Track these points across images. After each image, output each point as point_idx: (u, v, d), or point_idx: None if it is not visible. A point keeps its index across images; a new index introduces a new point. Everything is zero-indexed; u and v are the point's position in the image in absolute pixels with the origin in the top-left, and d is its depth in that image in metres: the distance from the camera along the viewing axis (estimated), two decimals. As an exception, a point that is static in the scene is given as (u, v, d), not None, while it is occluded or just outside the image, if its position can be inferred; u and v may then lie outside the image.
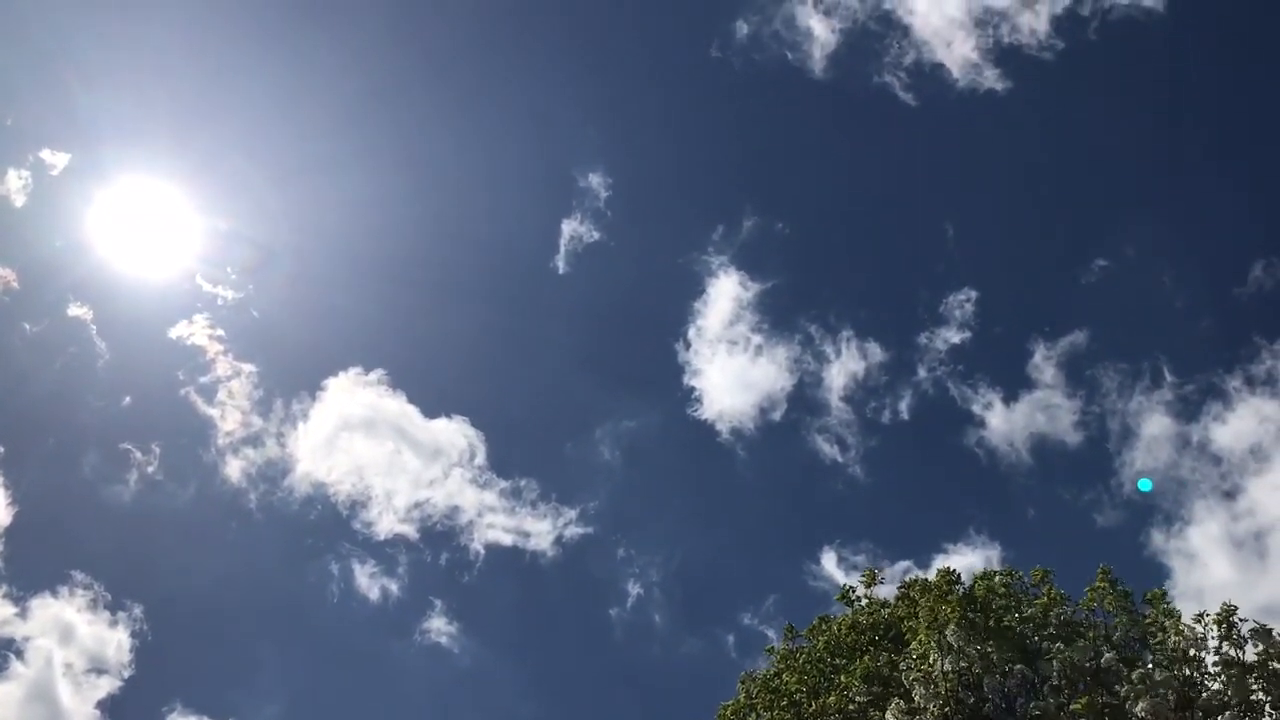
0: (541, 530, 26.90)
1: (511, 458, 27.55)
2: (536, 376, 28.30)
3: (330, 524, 27.70)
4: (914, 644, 13.59)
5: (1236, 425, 22.62)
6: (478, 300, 28.00)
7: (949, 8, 24.56)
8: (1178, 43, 23.57)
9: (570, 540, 26.87)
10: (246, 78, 28.12)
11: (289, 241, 28.36)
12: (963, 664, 12.84)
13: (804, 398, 25.94)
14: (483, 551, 26.53)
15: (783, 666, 15.50)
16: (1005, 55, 24.33)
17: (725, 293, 26.21)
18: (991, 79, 24.42)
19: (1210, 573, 22.55)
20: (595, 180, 27.07)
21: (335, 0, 28.31)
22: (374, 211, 28.51)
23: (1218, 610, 12.68)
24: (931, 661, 13.06)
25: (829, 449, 25.75)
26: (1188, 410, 23.17)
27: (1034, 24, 23.83)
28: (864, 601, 15.76)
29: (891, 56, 24.99)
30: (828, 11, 24.87)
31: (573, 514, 27.02)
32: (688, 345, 26.38)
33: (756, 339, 26.03)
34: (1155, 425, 23.03)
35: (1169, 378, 23.17)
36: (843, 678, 14.09)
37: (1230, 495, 22.65)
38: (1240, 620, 12.57)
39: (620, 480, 27.53)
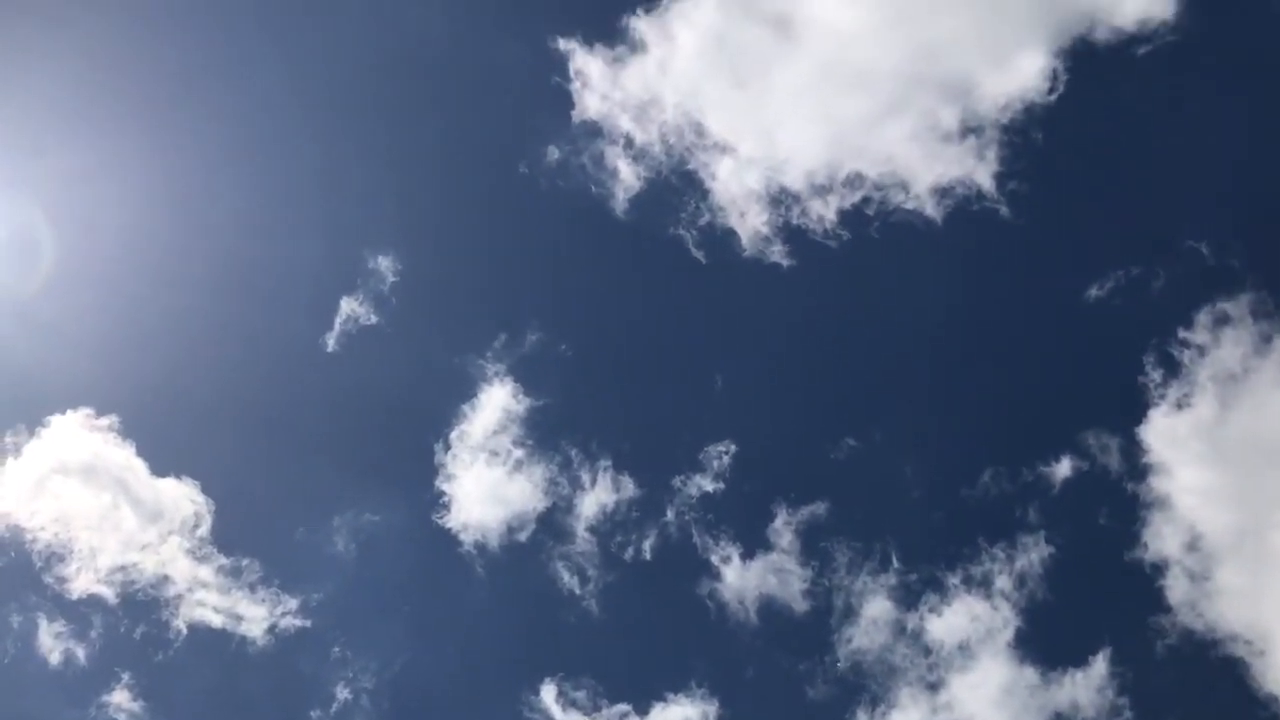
0: (256, 615, 26.17)
1: (238, 533, 26.62)
2: (282, 451, 27.55)
3: (19, 572, 26.64)
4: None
5: (950, 620, 23.59)
6: (234, 361, 27.30)
7: (749, 180, 26.37)
8: (948, 250, 25.79)
9: (285, 631, 26.24)
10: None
11: (50, 267, 27.51)
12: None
13: (553, 522, 26.08)
14: (185, 630, 25.79)
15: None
16: (793, 234, 26.12)
17: (496, 401, 26.29)
18: (778, 254, 26.10)
19: (906, 761, 24.03)
20: (384, 263, 27.00)
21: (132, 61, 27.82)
22: (145, 252, 27.85)
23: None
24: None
25: (568, 578, 25.90)
26: (907, 598, 24.30)
27: (823, 211, 25.85)
28: None
29: (688, 214, 26.43)
30: (636, 158, 26.27)
31: (293, 604, 26.32)
32: (448, 447, 26.25)
33: (518, 453, 26.18)
34: (877, 607, 24.16)
35: (895, 563, 24.35)
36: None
37: (934, 687, 23.54)
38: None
39: (350, 575, 26.95)
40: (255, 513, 27.27)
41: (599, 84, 27.24)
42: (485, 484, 26.84)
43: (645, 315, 27.75)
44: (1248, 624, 22.44)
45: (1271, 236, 23.86)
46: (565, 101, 27.56)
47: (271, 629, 26.35)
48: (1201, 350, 23.38)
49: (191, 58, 29.51)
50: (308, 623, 26.46)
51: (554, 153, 27.39)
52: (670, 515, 26.15)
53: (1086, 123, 25.06)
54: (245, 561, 26.60)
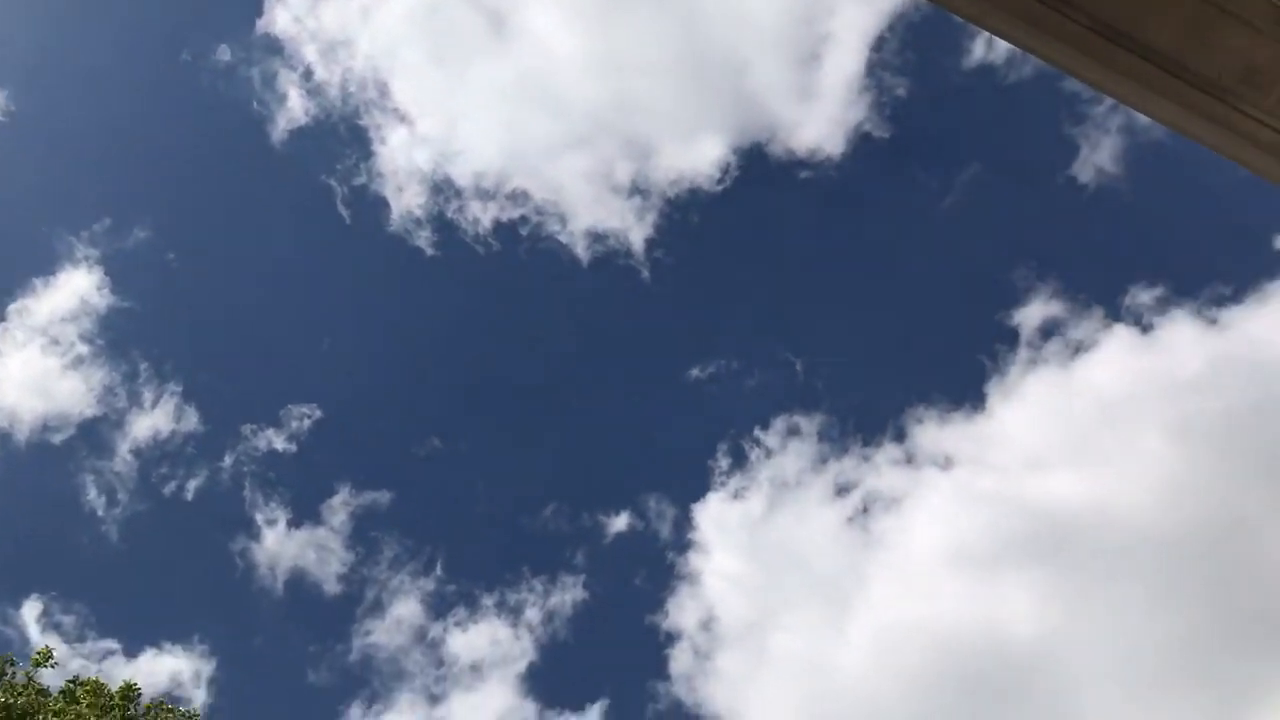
0: None
1: None
2: None
3: None
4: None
5: (473, 638, 24.85)
6: None
7: (418, 159, 26.17)
8: (584, 292, 27.20)
9: None
10: None
11: None
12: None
13: (97, 433, 24.74)
14: None
15: None
16: (445, 226, 25.74)
17: (76, 287, 24.57)
18: (424, 240, 25.75)
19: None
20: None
21: None
22: None
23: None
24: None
25: (94, 496, 24.61)
26: (439, 607, 25.18)
27: (480, 215, 25.93)
28: (20, 677, 13.20)
29: (345, 168, 25.70)
30: (310, 93, 25.31)
31: None
32: (2, 319, 24.37)
33: (82, 349, 24.55)
34: (407, 609, 24.81)
35: (439, 570, 25.23)
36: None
37: (435, 699, 24.65)
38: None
39: None
40: None
41: (296, 4, 25.96)
42: (33, 370, 24.30)
43: (272, 254, 26.51)
44: (730, 709, 24.21)
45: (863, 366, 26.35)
46: (254, 7, 26.20)
47: None
48: (769, 452, 25.31)
49: None
50: None
51: (225, 53, 25.49)
52: (228, 462, 24.71)
53: (741, 220, 26.77)
54: None
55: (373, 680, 24.02)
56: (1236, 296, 22.67)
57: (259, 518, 24.68)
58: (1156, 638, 22.03)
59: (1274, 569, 22.00)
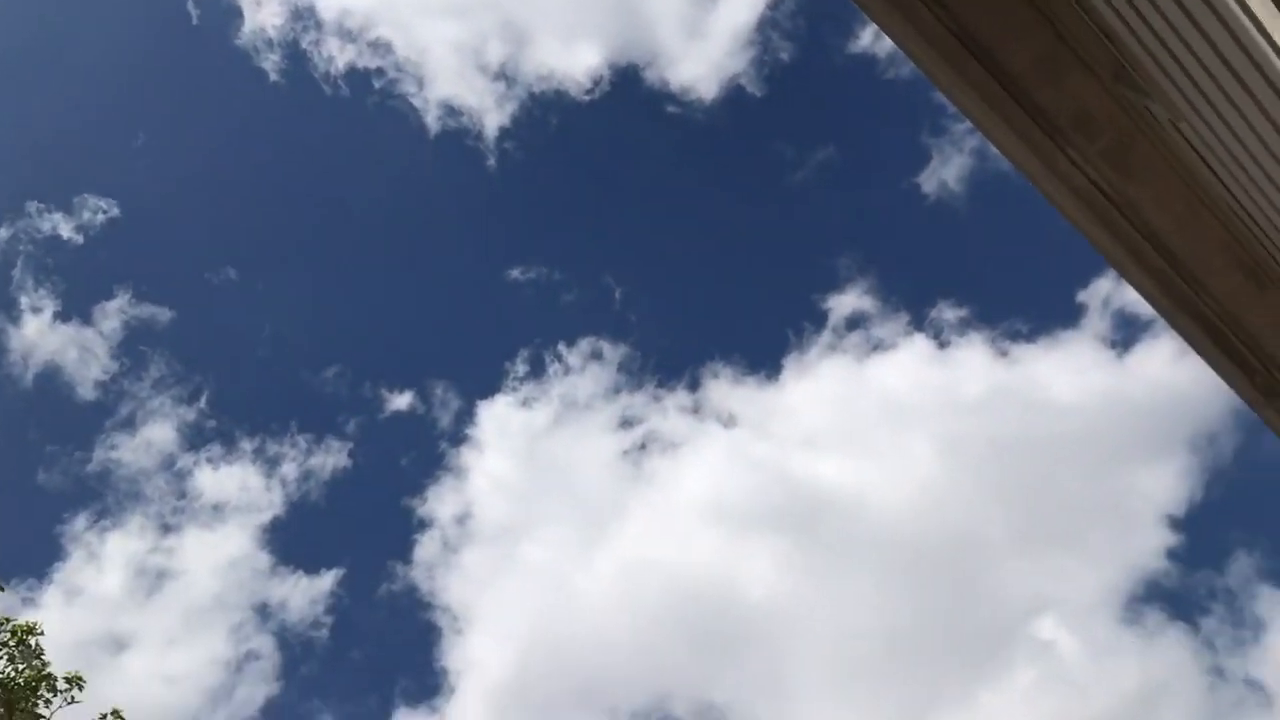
0: None
1: None
2: None
3: None
4: None
5: (222, 478, 24.10)
6: None
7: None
8: None
9: None
10: None
11: None
12: None
13: None
14: None
15: None
16: None
17: None
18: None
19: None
20: None
21: None
22: None
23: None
24: None
25: None
26: (191, 440, 24.11)
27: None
28: None
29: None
30: None
31: None
32: None
33: None
34: (165, 433, 23.57)
35: (203, 404, 24.04)
36: None
37: (168, 528, 23.70)
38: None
39: None
40: None
41: None
42: None
43: (102, 36, 24.51)
44: (463, 605, 24.37)
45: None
46: None
47: None
48: (567, 370, 25.41)
49: None
50: None
51: None
52: (3, 234, 23.02)
53: (600, 137, 26.50)
54: None
55: (107, 495, 23.14)
56: (1030, 335, 24.10)
57: (24, 301, 23.23)
58: (874, 627, 23.48)
59: (994, 592, 23.76)
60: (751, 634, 23.85)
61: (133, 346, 23.55)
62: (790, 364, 25.28)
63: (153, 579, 23.44)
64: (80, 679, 10.93)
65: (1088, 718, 22.22)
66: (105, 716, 10.95)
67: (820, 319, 25.84)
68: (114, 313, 23.38)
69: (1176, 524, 23.23)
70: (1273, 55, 2.16)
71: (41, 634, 10.83)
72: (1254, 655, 22.13)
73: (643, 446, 24.92)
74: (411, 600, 24.50)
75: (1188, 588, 23.49)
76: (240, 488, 23.74)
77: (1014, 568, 24.18)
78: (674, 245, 26.76)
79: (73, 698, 10.89)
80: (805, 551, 25.00)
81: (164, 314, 23.67)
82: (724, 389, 25.04)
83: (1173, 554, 23.18)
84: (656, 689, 23.06)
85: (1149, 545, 23.27)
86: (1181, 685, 22.39)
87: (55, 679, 10.84)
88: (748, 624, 23.91)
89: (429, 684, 25.11)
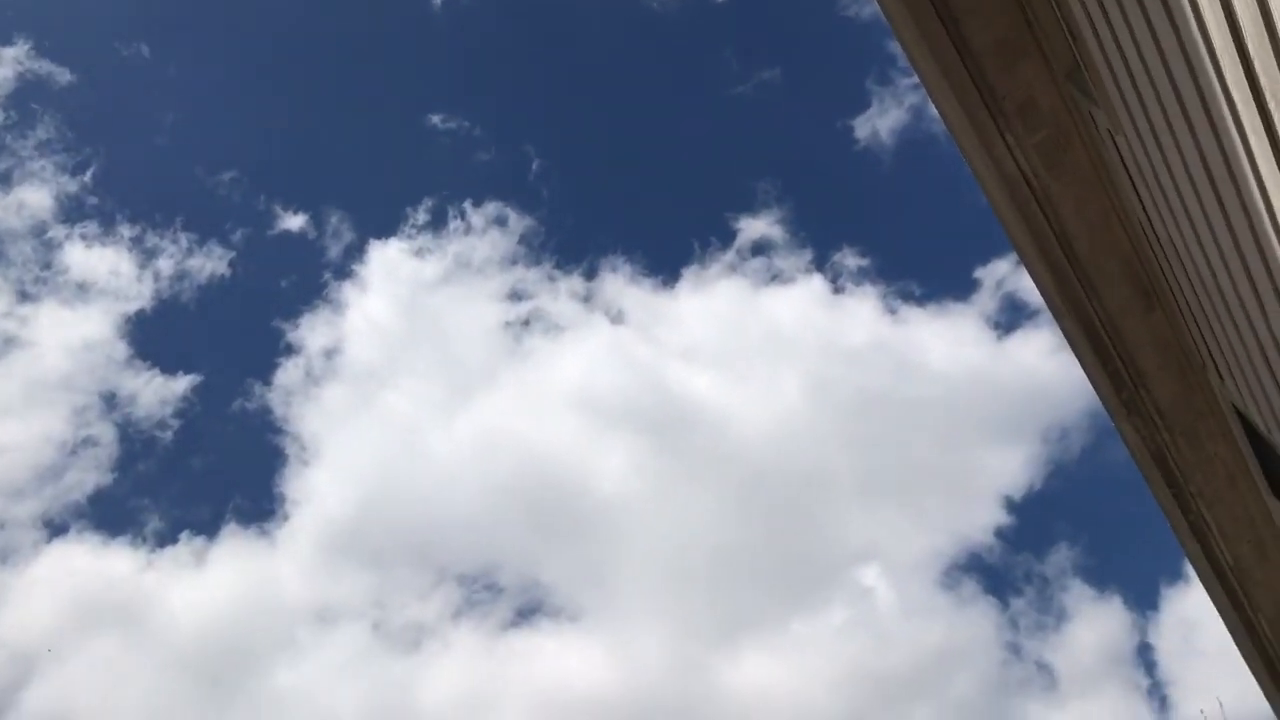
0: None
1: None
2: None
3: None
4: None
5: (94, 259, 22.67)
6: None
7: None
8: None
9: None
10: None
11: None
12: None
13: None
14: None
15: None
16: None
17: None
18: None
19: None
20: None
21: None
22: None
23: None
24: None
25: None
26: (68, 212, 22.81)
27: None
28: None
29: None
30: None
31: None
32: None
33: None
34: (41, 199, 22.49)
35: (88, 177, 22.48)
36: None
37: (25, 296, 22.62)
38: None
39: None
40: None
41: None
42: None
43: None
44: (311, 437, 24.16)
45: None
46: None
47: None
48: (468, 229, 25.01)
49: None
50: None
51: None
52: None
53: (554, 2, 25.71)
54: None
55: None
56: (921, 300, 24.56)
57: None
58: (708, 542, 24.17)
59: (828, 532, 24.67)
60: (591, 525, 24.37)
61: (23, 101, 22.26)
62: (689, 275, 25.36)
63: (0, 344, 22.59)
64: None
65: (884, 667, 23.46)
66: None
67: (728, 237, 25.89)
68: (9, 60, 22.01)
69: (1011, 506, 24.31)
70: (1221, 97, 2.22)
71: None
72: (1052, 641, 23.53)
73: (526, 323, 24.82)
74: (263, 422, 24.18)
75: (1007, 566, 24.71)
76: (111, 272, 22.90)
77: (852, 514, 25.13)
78: (601, 130, 26.37)
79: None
80: (660, 457, 25.51)
81: (63, 75, 22.38)
82: (619, 284, 25.05)
83: (1000, 533, 24.30)
84: (488, 559, 23.38)
85: (981, 520, 24.36)
86: (978, 656, 23.72)
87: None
88: (589, 515, 24.40)
89: (263, 507, 24.89)
